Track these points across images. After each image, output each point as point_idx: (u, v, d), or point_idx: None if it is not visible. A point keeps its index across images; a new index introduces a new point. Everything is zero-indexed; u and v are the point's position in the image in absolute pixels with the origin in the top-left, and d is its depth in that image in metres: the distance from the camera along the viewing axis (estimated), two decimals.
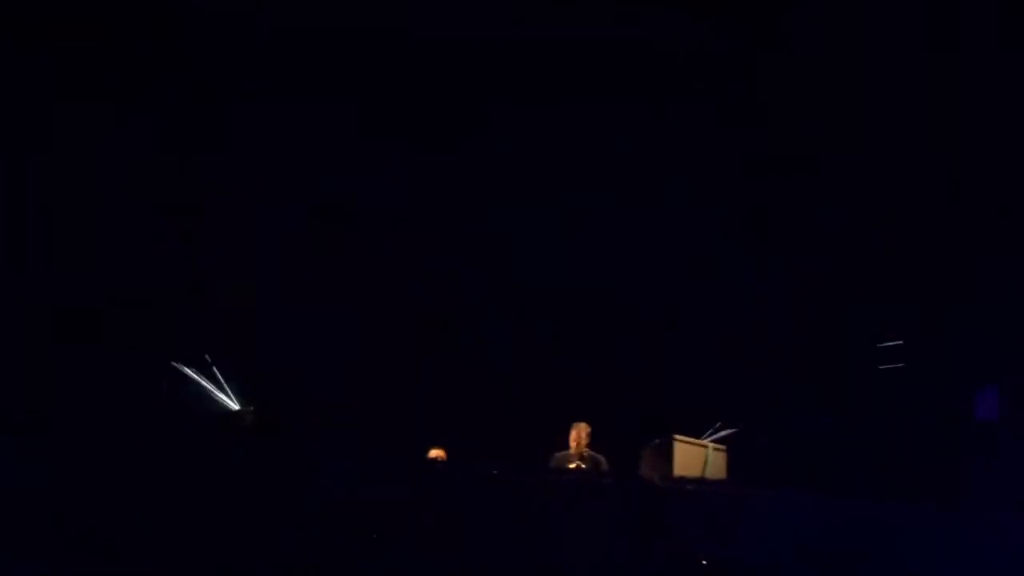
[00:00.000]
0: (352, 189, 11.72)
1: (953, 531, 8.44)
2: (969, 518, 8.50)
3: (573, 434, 10.06)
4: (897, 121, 11.12)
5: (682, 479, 9.07)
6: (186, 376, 10.52)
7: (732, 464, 9.54)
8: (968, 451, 10.07)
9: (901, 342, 10.89)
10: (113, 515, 8.52)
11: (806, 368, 11.28)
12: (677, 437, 9.36)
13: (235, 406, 10.26)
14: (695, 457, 9.42)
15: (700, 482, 9.14)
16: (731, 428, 9.67)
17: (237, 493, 8.75)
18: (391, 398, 11.38)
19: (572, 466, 9.87)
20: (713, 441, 9.57)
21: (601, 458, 9.98)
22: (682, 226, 11.56)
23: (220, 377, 10.42)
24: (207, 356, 10.46)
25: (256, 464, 9.26)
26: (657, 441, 9.48)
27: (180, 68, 11.29)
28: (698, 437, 9.59)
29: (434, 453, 10.17)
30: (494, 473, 9.20)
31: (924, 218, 11.12)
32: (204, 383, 10.51)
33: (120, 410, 9.60)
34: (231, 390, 10.37)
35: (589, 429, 10.06)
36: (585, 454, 9.98)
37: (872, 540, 8.51)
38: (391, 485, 9.46)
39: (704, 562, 8.33)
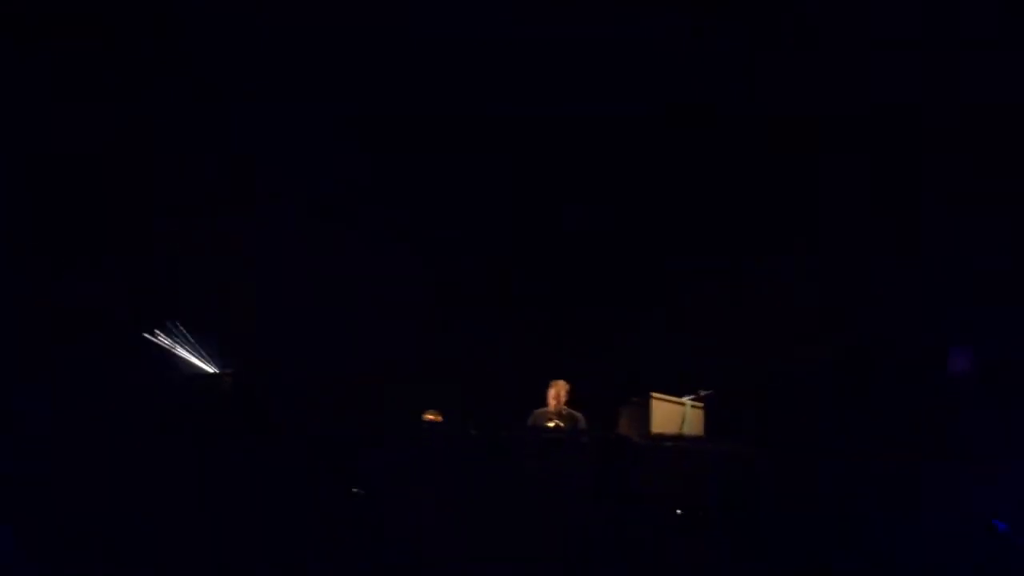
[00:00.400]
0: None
1: (929, 480, 8.53)
2: (944, 468, 8.57)
3: (552, 391, 10.11)
4: None
5: (660, 436, 9.12)
6: (161, 345, 10.54)
7: (709, 421, 9.59)
8: (943, 406, 10.12)
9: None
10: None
11: (781, 326, 11.31)
12: (655, 395, 9.40)
13: (211, 370, 10.26)
14: (672, 414, 9.47)
15: (678, 439, 9.19)
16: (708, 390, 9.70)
17: (220, 463, 8.83)
18: (373, 362, 11.37)
19: (551, 424, 9.91)
20: (691, 399, 9.61)
21: (579, 416, 10.04)
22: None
23: (195, 343, 10.44)
24: (177, 323, 10.48)
25: (235, 429, 9.33)
26: (635, 399, 9.52)
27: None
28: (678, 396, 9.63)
29: (429, 416, 10.19)
30: (472, 433, 9.26)
31: (890, 179, 11.17)
32: (180, 350, 10.52)
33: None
34: (208, 355, 10.38)
35: (568, 387, 10.10)
36: (564, 412, 10.03)
37: (846, 491, 8.59)
38: (373, 448, 9.55)
39: (679, 511, 8.40)
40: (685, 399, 9.58)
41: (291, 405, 10.04)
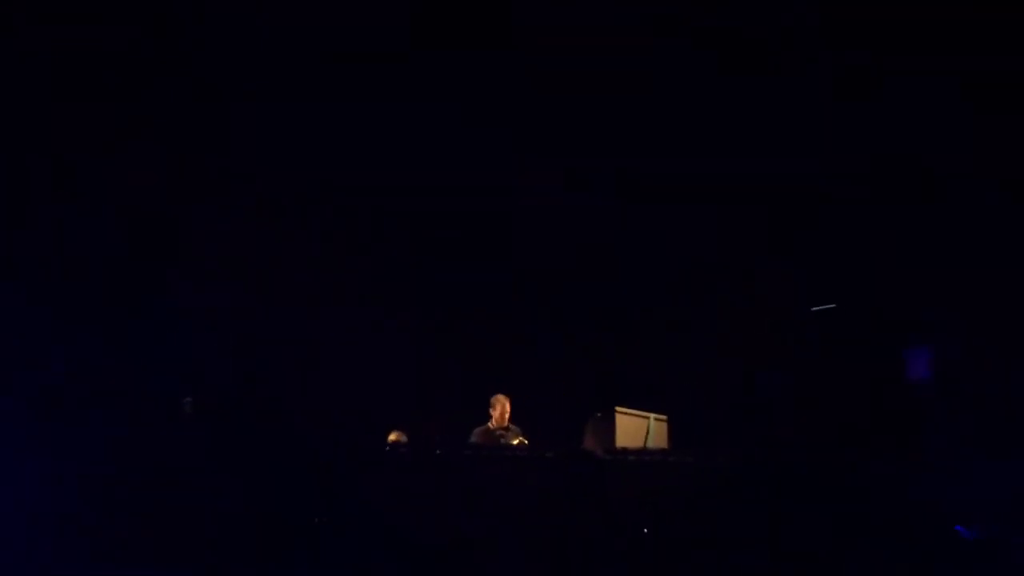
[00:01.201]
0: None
1: (892, 484, 8.61)
2: (904, 473, 8.66)
3: (497, 408, 10.01)
4: None
5: (624, 450, 9.14)
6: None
7: (673, 433, 9.62)
8: (902, 410, 10.22)
9: (834, 305, 11.00)
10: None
11: (743, 336, 11.35)
12: (618, 409, 9.41)
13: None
14: (636, 428, 9.47)
15: (642, 453, 9.22)
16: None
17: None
18: (336, 383, 11.32)
19: (516, 442, 9.89)
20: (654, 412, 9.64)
21: (519, 431, 9.97)
22: None
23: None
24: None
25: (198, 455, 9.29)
26: (598, 414, 9.52)
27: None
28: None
29: (394, 437, 10.12)
30: (437, 452, 9.27)
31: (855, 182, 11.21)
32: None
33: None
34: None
35: (509, 402, 10.02)
36: (510, 428, 9.96)
37: (814, 498, 8.66)
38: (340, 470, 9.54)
39: (646, 531, 8.44)
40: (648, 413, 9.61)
41: (254, 429, 10.02)
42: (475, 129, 11.24)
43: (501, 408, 10.01)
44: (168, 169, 11.37)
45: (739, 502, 8.69)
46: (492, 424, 10.02)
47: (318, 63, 11.03)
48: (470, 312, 11.76)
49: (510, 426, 9.99)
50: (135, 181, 11.29)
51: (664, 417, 9.59)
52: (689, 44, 10.71)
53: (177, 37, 11.08)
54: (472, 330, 11.76)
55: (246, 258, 11.50)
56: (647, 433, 9.46)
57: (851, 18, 10.35)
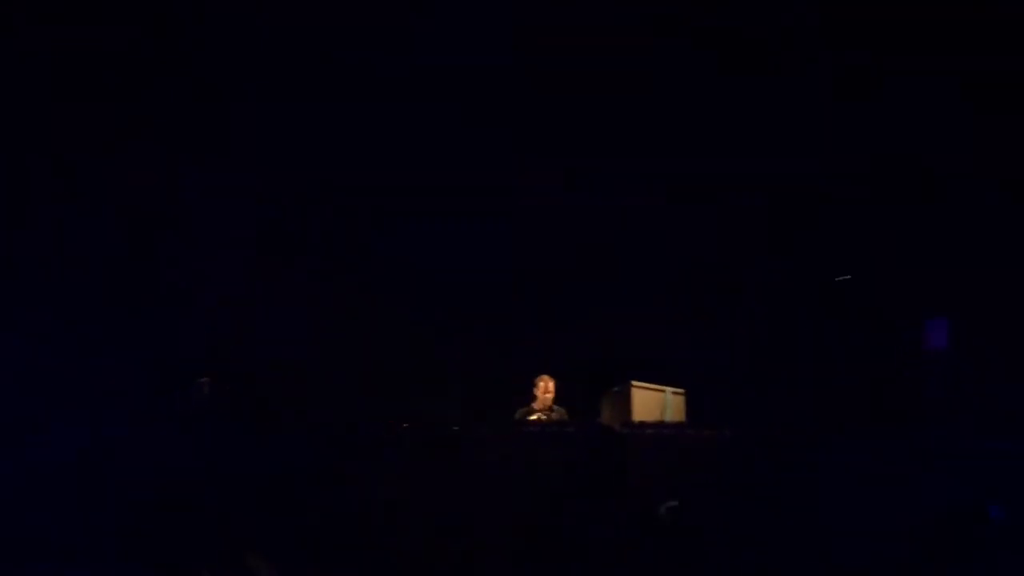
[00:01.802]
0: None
1: (909, 459, 8.58)
2: (923, 446, 8.63)
3: (540, 386, 10.03)
4: None
5: (642, 424, 9.14)
6: None
7: (691, 407, 9.62)
8: (919, 379, 10.17)
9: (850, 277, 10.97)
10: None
11: (758, 309, 11.32)
12: (634, 383, 9.40)
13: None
14: (653, 402, 9.47)
15: (659, 426, 9.22)
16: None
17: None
18: (353, 364, 11.32)
19: (533, 418, 9.90)
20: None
21: (564, 412, 9.98)
22: None
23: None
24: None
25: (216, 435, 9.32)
26: (615, 388, 9.53)
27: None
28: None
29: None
30: (455, 429, 9.27)
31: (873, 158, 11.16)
32: None
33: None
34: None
35: (554, 382, 10.05)
36: (554, 409, 9.97)
37: (828, 476, 8.64)
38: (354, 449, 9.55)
39: (665, 504, 8.43)
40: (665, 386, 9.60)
41: (271, 409, 10.05)
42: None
43: (544, 387, 10.00)
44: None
45: (756, 475, 8.68)
46: (536, 405, 10.02)
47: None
48: (490, 293, 11.74)
49: (554, 407, 9.99)
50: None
51: (681, 391, 9.59)
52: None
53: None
54: (492, 310, 11.74)
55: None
56: (664, 407, 9.46)
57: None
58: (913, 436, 8.87)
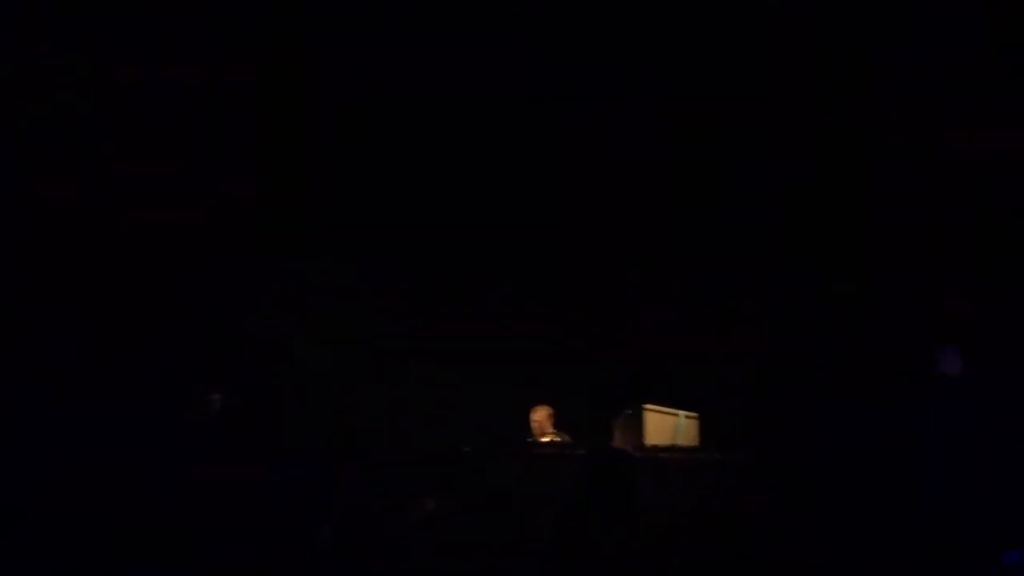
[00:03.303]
0: None
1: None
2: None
3: (533, 417, 9.94)
4: None
5: (654, 447, 9.13)
6: None
7: (704, 430, 9.61)
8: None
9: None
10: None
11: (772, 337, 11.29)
12: (647, 406, 9.40)
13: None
14: (666, 425, 9.47)
15: (672, 449, 9.21)
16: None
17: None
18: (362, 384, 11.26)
19: (546, 439, 9.86)
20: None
21: (568, 439, 9.89)
22: None
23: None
24: None
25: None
26: (628, 411, 9.50)
27: None
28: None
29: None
30: (466, 451, 9.27)
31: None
32: None
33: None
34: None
35: (550, 411, 9.94)
36: (548, 434, 9.89)
37: (840, 499, 8.65)
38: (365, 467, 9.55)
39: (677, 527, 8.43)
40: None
41: (284, 424, 10.04)
42: None
43: (538, 419, 9.92)
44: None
45: (770, 498, 8.68)
46: (534, 435, 9.96)
47: None
48: (500, 316, 11.68)
49: (550, 433, 9.90)
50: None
51: (694, 414, 9.58)
52: None
53: None
54: (500, 332, 11.68)
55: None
56: (676, 430, 9.46)
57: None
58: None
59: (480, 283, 11.73)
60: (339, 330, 11.16)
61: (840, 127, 11.08)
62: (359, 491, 9.47)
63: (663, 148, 11.52)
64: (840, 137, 11.08)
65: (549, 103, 11.33)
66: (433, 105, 11.24)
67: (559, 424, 9.98)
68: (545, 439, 9.88)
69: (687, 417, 9.52)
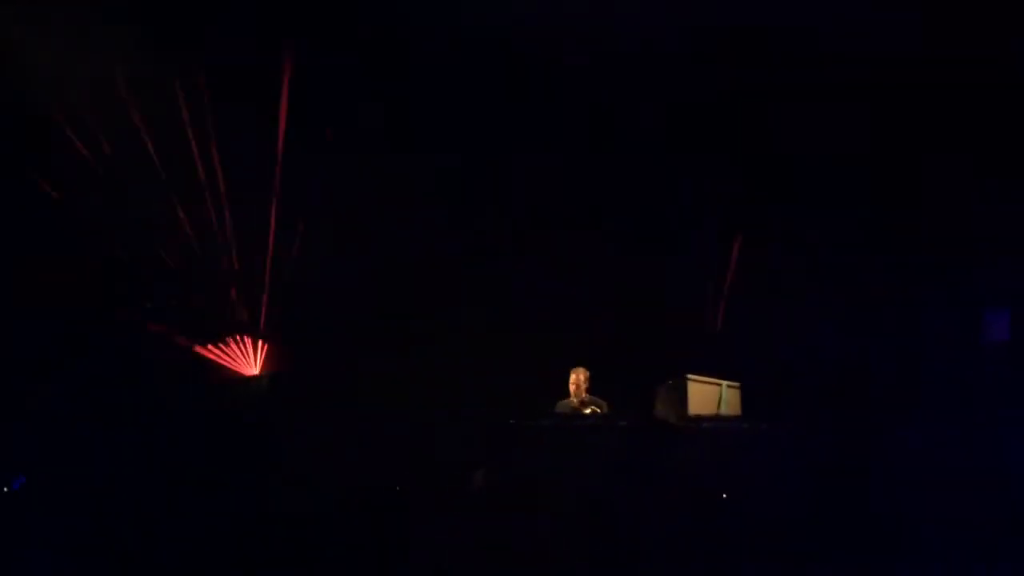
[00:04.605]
0: None
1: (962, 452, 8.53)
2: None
3: (572, 378, 10.03)
4: None
5: (698, 417, 9.13)
6: None
7: (746, 400, 9.59)
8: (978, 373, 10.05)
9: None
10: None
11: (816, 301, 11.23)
12: (690, 376, 9.39)
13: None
14: (709, 395, 9.45)
15: (716, 419, 9.20)
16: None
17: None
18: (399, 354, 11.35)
19: (587, 411, 9.91)
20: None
21: (603, 403, 9.97)
22: None
23: None
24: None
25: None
26: (670, 381, 9.50)
27: None
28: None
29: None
30: (511, 422, 9.31)
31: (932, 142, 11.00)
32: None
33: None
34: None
35: (587, 374, 10.02)
36: (586, 399, 9.96)
37: (886, 468, 8.61)
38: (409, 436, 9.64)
39: (724, 496, 8.43)
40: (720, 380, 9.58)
41: (326, 400, 10.17)
42: None
43: (575, 379, 10.01)
44: None
45: (813, 469, 8.66)
46: (570, 398, 10.04)
47: None
48: (541, 285, 11.72)
49: (586, 398, 9.98)
50: None
51: (737, 384, 9.56)
52: None
53: None
54: (542, 302, 11.73)
55: None
56: (719, 400, 9.45)
57: None
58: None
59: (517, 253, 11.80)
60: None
61: None
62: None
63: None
64: None
65: None
66: None
67: (592, 389, 10.04)
68: (582, 403, 9.93)
69: (729, 387, 9.50)
